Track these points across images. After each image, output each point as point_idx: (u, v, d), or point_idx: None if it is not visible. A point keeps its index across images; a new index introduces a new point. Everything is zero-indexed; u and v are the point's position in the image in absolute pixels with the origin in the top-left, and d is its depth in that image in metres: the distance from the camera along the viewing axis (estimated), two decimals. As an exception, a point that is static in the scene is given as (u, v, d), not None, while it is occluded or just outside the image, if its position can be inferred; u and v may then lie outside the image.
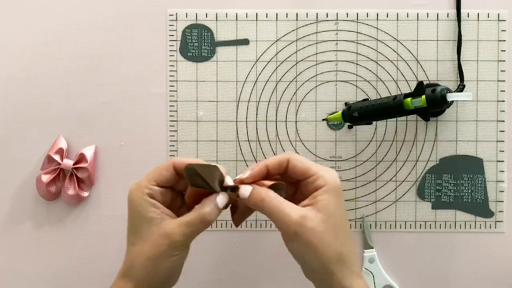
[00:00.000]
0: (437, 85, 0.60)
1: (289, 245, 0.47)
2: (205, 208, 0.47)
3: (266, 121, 0.66)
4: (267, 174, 0.49)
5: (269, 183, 0.49)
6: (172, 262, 0.48)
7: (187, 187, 0.51)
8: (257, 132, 0.66)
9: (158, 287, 0.49)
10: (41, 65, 0.66)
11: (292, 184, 0.51)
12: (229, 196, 0.48)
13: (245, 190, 0.47)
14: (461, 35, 0.65)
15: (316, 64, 0.66)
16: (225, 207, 0.49)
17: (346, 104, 0.65)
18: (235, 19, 0.66)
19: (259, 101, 0.66)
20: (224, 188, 0.48)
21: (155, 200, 0.48)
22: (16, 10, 0.66)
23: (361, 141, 0.66)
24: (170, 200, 0.50)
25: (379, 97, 0.65)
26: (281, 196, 0.48)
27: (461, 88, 0.63)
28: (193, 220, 0.47)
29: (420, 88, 0.59)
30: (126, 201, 0.66)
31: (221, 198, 0.48)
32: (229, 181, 0.48)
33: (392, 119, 0.66)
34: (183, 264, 0.51)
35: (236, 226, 0.52)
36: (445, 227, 0.66)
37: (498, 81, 0.66)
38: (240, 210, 0.51)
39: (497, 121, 0.66)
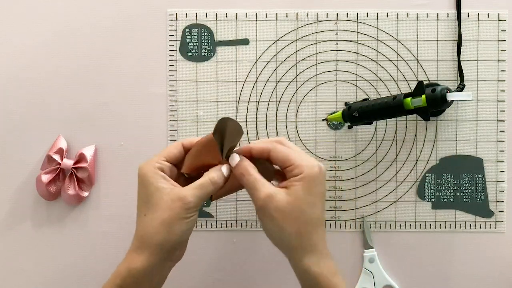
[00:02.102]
0: (437, 84, 0.60)
1: (258, 216, 0.52)
2: (213, 173, 0.52)
3: (266, 121, 0.66)
4: (252, 156, 0.53)
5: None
6: (185, 225, 0.50)
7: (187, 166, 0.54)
8: (257, 132, 0.66)
9: (170, 254, 0.52)
10: (41, 65, 0.66)
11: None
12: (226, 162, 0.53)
13: (234, 159, 0.53)
14: (461, 35, 0.65)
15: (316, 64, 0.66)
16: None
17: (346, 104, 0.65)
18: (235, 19, 0.66)
19: (259, 101, 0.66)
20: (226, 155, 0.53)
21: (164, 173, 0.52)
22: (17, 10, 0.66)
23: (361, 141, 0.66)
24: (175, 178, 0.53)
25: (379, 97, 0.65)
26: (269, 169, 0.54)
27: (461, 88, 0.63)
28: (204, 183, 0.51)
29: (420, 87, 0.59)
30: (126, 201, 0.67)
31: (225, 168, 0.53)
32: (235, 156, 0.53)
33: (392, 119, 0.66)
34: (189, 236, 0.54)
35: (212, 200, 0.55)
36: (445, 227, 0.66)
37: (498, 81, 0.66)
38: (223, 187, 0.54)
39: (497, 121, 0.66)
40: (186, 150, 0.54)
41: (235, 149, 0.53)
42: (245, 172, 0.52)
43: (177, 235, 0.50)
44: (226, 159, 0.53)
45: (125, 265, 0.51)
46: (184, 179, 0.55)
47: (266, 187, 0.51)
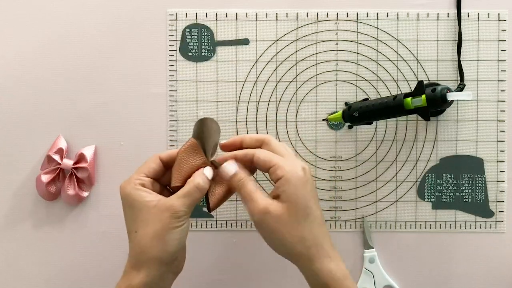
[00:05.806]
0: (437, 84, 0.60)
1: (257, 228, 0.52)
2: (197, 178, 0.52)
3: (266, 121, 0.66)
4: (237, 159, 0.53)
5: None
6: (178, 233, 0.50)
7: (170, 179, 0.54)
8: (257, 132, 0.66)
9: (170, 265, 0.52)
10: (41, 65, 0.66)
11: None
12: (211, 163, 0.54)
13: (229, 169, 0.53)
14: (461, 34, 0.65)
15: (316, 64, 0.66)
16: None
17: (346, 104, 0.65)
18: (235, 19, 0.66)
19: (259, 101, 0.66)
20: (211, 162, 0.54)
21: (147, 188, 0.52)
22: (17, 10, 0.66)
23: (361, 141, 0.66)
24: (159, 192, 0.53)
25: (379, 97, 0.65)
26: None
27: (461, 87, 0.63)
28: (190, 190, 0.51)
29: (420, 87, 0.59)
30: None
31: (208, 171, 0.53)
32: (230, 167, 0.53)
33: (392, 119, 0.66)
34: (185, 244, 0.53)
35: (210, 211, 0.54)
36: (445, 227, 0.66)
37: (498, 81, 0.66)
38: (217, 195, 0.54)
39: (497, 121, 0.66)
40: (165, 163, 0.54)
41: (221, 157, 0.54)
42: (241, 185, 0.52)
43: (173, 245, 0.50)
44: (211, 161, 0.53)
45: (125, 283, 0.51)
46: (168, 192, 0.54)
47: (262, 200, 0.51)
